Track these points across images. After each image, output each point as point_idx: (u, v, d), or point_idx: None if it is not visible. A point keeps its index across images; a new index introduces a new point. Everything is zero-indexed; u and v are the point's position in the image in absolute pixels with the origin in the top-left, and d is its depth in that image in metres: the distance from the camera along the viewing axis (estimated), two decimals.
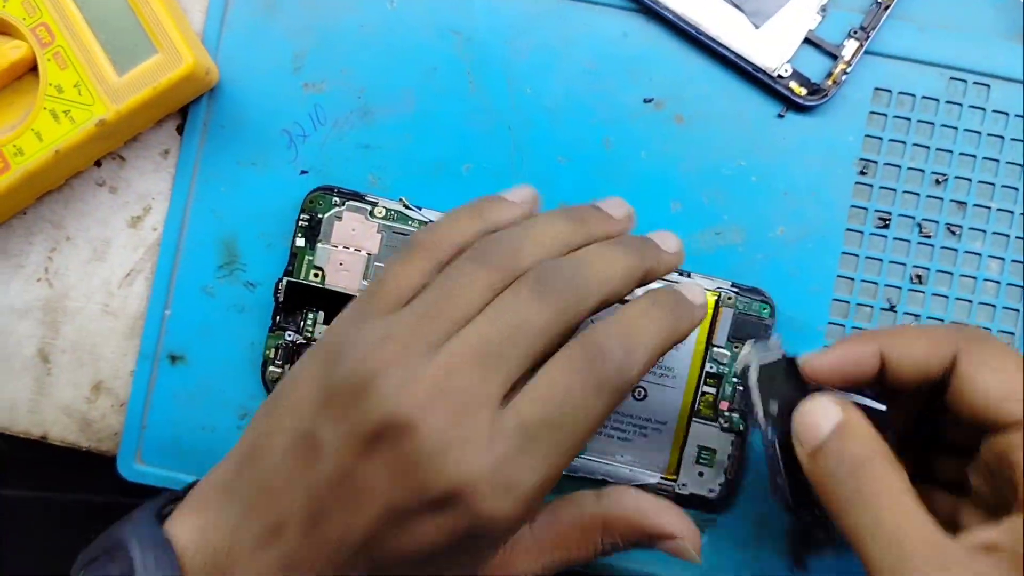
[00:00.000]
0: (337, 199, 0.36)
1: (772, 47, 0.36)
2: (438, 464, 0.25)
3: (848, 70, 0.36)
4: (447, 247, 0.30)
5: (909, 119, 0.37)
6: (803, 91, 0.36)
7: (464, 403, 0.26)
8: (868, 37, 0.36)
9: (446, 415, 0.26)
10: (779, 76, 0.36)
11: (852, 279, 0.37)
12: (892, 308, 0.37)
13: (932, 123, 0.37)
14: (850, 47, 0.36)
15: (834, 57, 0.36)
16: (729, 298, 0.36)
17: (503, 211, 0.31)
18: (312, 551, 0.27)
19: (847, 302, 0.37)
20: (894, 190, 0.37)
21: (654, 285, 0.31)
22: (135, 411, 0.37)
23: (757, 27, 0.36)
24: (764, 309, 0.36)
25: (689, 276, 0.36)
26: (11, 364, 0.38)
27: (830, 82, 0.36)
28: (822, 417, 0.30)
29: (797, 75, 0.36)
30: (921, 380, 0.30)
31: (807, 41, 0.37)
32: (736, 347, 0.36)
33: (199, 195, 0.38)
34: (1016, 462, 0.27)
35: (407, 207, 0.36)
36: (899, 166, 0.37)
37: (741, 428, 0.36)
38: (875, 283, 0.37)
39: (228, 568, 0.27)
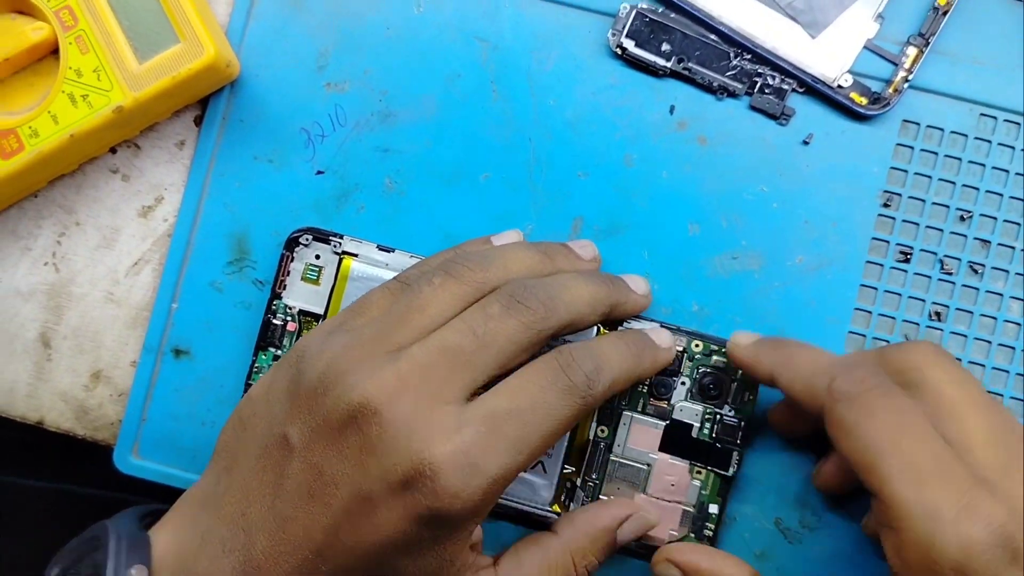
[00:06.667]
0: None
1: (830, 57, 0.36)
2: (402, 446, 0.27)
3: (909, 78, 0.36)
4: None
5: (936, 153, 0.36)
6: (864, 100, 0.36)
7: (430, 394, 0.28)
8: (928, 43, 0.36)
9: (411, 403, 0.27)
10: (839, 86, 0.36)
11: (870, 312, 0.36)
12: None
13: (959, 159, 0.36)
14: (910, 54, 0.36)
15: (894, 64, 0.36)
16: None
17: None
18: (274, 555, 0.28)
19: (863, 335, 0.36)
20: (917, 224, 0.36)
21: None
22: (136, 403, 0.37)
23: (814, 38, 0.36)
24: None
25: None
26: (12, 347, 0.38)
27: (891, 91, 0.36)
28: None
29: (858, 84, 0.36)
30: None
31: (865, 49, 0.36)
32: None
33: (213, 189, 0.37)
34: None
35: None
36: (923, 200, 0.36)
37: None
38: (893, 318, 0.36)
39: (192, 572, 0.28)
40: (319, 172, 0.37)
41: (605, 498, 0.35)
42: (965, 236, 0.36)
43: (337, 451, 0.28)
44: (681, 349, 0.35)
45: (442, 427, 0.27)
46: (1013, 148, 0.36)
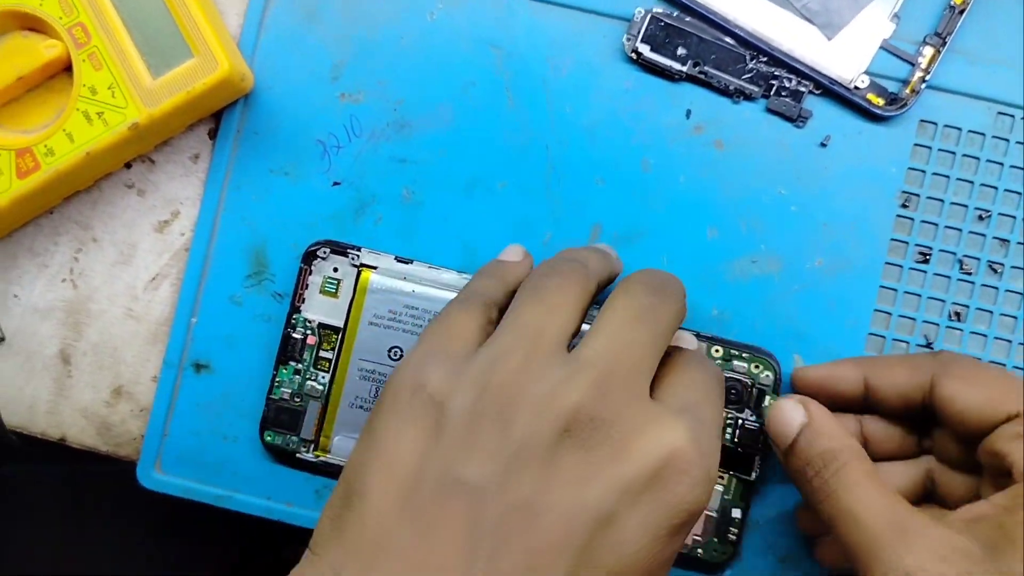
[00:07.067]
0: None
1: (846, 58, 0.36)
2: (638, 443, 0.24)
3: (927, 77, 0.36)
4: (491, 296, 0.30)
5: (954, 153, 0.36)
6: (881, 101, 0.36)
7: (630, 390, 0.25)
8: (945, 43, 0.36)
9: (622, 401, 0.25)
10: (856, 88, 0.36)
11: (889, 314, 0.36)
12: (929, 345, 0.36)
13: (977, 158, 0.36)
14: (927, 53, 0.36)
15: (910, 65, 0.36)
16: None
17: (514, 270, 0.33)
18: None
19: (883, 337, 0.36)
20: (936, 224, 0.36)
21: None
22: (157, 418, 0.37)
23: (829, 39, 0.35)
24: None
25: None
26: (32, 364, 0.38)
27: (908, 91, 0.36)
28: (789, 416, 0.31)
29: (874, 85, 0.36)
30: (903, 405, 0.32)
31: (881, 50, 0.36)
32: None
33: (229, 202, 0.37)
34: (1004, 451, 0.29)
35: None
36: (942, 200, 0.36)
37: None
38: (913, 319, 0.36)
39: None
40: (335, 184, 0.37)
41: None
42: (984, 235, 0.36)
43: (550, 476, 0.23)
44: None
45: (664, 418, 0.25)
46: None
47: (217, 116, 0.37)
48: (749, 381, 0.35)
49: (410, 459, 0.24)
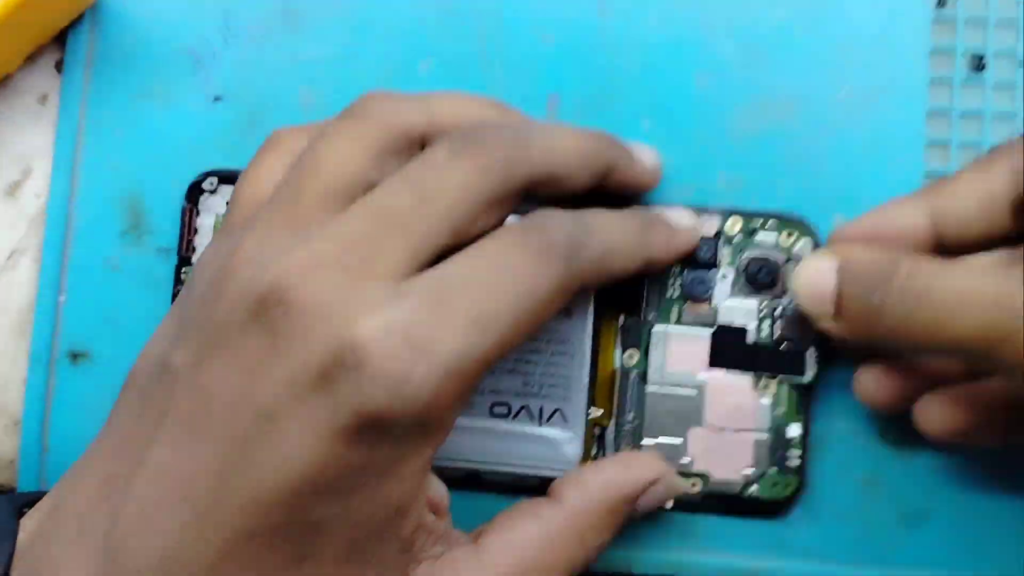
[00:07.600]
0: None
1: None
2: (315, 332, 0.20)
3: None
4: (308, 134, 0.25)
5: None
6: None
7: (356, 269, 0.20)
8: None
9: (330, 281, 0.20)
10: None
11: (947, 145, 0.28)
12: None
13: None
14: None
15: None
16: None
17: None
18: (141, 524, 0.21)
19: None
20: (984, 20, 0.28)
21: None
22: (31, 431, 0.29)
23: None
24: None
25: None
26: None
27: None
28: (822, 269, 0.24)
29: None
30: (987, 226, 0.25)
31: None
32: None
33: (89, 146, 0.29)
34: None
35: None
36: None
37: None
38: (977, 146, 0.28)
39: (37, 569, 0.22)
40: (217, 98, 0.29)
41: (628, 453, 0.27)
42: None
43: (230, 362, 0.20)
44: (714, 233, 0.27)
45: (370, 301, 0.20)
46: None
47: (62, 42, 0.30)
48: (783, 256, 0.27)
49: (158, 345, 0.23)
